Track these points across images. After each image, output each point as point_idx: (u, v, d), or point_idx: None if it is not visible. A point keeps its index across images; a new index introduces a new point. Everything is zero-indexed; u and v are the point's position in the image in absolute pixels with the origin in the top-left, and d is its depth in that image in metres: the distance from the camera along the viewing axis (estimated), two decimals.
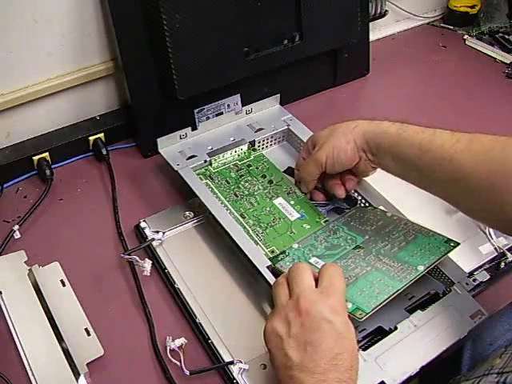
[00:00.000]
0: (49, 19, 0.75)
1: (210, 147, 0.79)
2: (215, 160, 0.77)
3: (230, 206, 0.72)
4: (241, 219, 0.70)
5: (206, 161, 0.77)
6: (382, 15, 1.09)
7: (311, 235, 0.67)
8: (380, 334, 0.59)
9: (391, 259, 0.60)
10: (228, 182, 0.76)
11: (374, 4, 1.05)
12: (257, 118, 0.84)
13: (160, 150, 0.77)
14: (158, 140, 0.76)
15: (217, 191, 0.74)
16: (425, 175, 0.58)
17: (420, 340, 0.58)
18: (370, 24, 1.01)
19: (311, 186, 0.71)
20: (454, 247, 0.61)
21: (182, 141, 0.79)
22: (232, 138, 0.80)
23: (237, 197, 0.74)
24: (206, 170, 0.77)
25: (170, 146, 0.78)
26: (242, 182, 0.76)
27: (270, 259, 0.63)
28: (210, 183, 0.75)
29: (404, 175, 0.62)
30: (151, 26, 0.76)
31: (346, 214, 0.70)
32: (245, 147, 0.80)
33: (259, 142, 0.81)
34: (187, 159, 0.76)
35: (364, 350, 0.56)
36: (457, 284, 0.62)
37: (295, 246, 0.65)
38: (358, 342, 0.57)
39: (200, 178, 0.74)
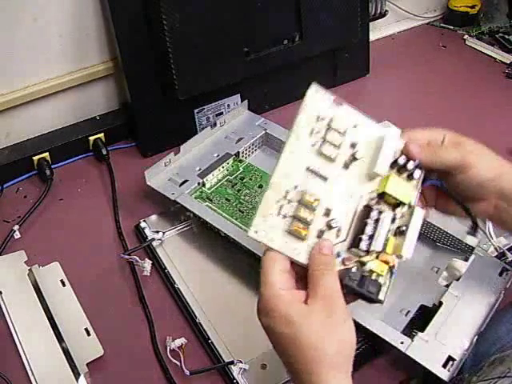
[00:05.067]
0: (48, 19, 0.75)
1: (197, 168, 0.76)
2: (207, 180, 0.75)
3: (239, 223, 0.70)
4: None
5: (199, 183, 0.75)
6: (382, 15, 1.09)
7: None
8: (424, 312, 0.61)
9: None
10: (228, 200, 0.74)
11: (374, 4, 1.05)
12: (232, 129, 0.83)
13: (148, 183, 0.73)
14: (146, 172, 0.73)
15: (221, 211, 0.72)
16: None
17: (467, 307, 0.60)
18: (370, 24, 1.01)
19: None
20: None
21: (167, 168, 0.76)
22: (216, 154, 0.79)
23: (242, 213, 0.72)
24: (202, 192, 0.75)
25: (158, 176, 0.74)
26: (242, 197, 0.74)
27: None
28: (210, 205, 0.73)
29: None
30: (151, 26, 0.76)
31: None
32: (231, 160, 0.79)
33: (243, 152, 0.80)
34: (180, 186, 0.74)
35: (422, 331, 0.58)
36: (477, 248, 0.65)
37: None
38: (408, 325, 0.60)
39: (199, 202, 0.72)
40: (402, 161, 0.47)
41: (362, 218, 0.46)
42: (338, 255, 0.45)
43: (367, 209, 0.46)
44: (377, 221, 0.46)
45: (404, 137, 0.51)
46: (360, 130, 0.48)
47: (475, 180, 0.50)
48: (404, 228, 0.46)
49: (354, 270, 0.44)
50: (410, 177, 0.48)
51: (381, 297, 0.44)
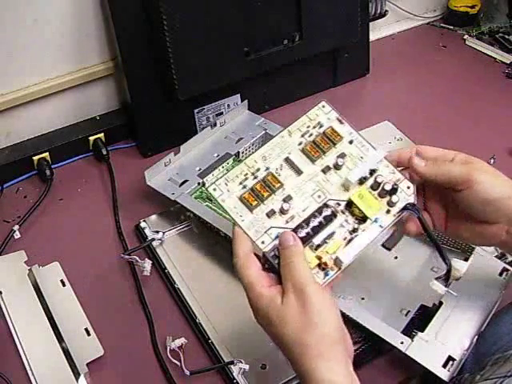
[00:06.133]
0: (49, 19, 0.75)
1: (197, 168, 0.76)
2: (207, 180, 0.74)
3: None
4: None
5: (199, 183, 0.74)
6: (382, 15, 1.09)
7: None
8: (424, 312, 0.61)
9: None
10: None
11: (374, 4, 1.05)
12: (232, 129, 0.82)
13: (148, 183, 0.73)
14: (146, 172, 0.73)
15: (221, 211, 0.71)
16: None
17: (467, 307, 0.60)
18: (370, 24, 1.01)
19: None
20: None
21: (167, 168, 0.76)
22: (216, 154, 0.78)
23: None
24: (202, 192, 0.74)
25: (158, 176, 0.74)
26: None
27: None
28: (210, 205, 0.72)
29: None
30: (151, 26, 0.76)
31: None
32: (231, 160, 0.78)
33: (243, 152, 0.80)
34: (180, 186, 0.74)
35: (422, 331, 0.58)
36: (477, 248, 0.65)
37: None
38: (409, 325, 0.60)
39: (199, 202, 0.72)
40: (379, 179, 0.49)
41: (314, 212, 0.49)
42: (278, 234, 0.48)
43: (324, 206, 0.49)
44: (327, 219, 0.48)
45: (412, 150, 0.52)
46: (353, 147, 0.52)
47: (480, 197, 0.49)
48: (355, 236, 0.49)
49: None
50: (390, 203, 0.50)
51: None
